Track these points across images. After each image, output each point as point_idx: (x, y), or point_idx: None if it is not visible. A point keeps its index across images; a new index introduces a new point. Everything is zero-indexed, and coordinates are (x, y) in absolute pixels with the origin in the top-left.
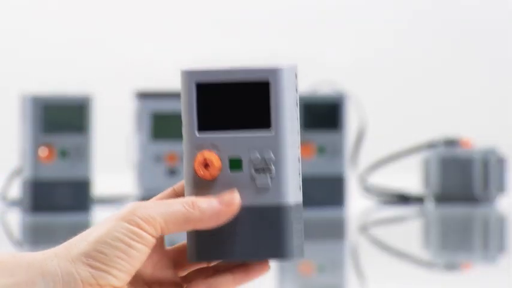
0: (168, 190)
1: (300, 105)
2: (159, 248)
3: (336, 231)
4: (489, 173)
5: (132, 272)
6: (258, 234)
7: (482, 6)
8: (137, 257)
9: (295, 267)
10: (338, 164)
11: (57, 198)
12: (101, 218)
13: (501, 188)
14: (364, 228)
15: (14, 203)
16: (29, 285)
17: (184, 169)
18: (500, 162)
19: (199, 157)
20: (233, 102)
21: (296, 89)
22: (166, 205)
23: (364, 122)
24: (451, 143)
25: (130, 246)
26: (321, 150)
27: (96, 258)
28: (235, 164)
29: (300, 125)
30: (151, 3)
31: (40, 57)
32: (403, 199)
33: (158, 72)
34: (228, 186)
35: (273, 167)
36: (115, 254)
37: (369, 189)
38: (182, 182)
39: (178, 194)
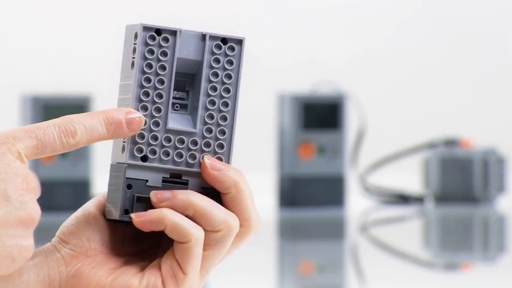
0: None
1: (300, 105)
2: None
3: (336, 231)
4: (489, 173)
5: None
6: None
7: (482, 5)
8: None
9: (295, 267)
10: (338, 164)
11: (57, 198)
12: None
13: (501, 188)
14: (364, 228)
15: None
16: None
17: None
18: (500, 162)
19: None
20: None
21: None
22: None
23: (364, 122)
24: (451, 143)
25: None
26: (321, 150)
27: None
28: None
29: (300, 125)
30: (151, 3)
31: (40, 57)
32: (403, 199)
33: None
34: None
35: None
36: None
37: (369, 189)
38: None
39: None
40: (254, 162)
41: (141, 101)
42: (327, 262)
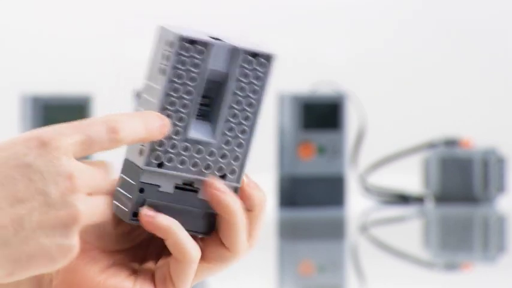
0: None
1: (300, 105)
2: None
3: (336, 231)
4: (489, 173)
5: None
6: None
7: (482, 5)
8: None
9: (295, 267)
10: (338, 164)
11: None
12: None
13: (501, 188)
14: (364, 228)
15: None
16: None
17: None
18: (500, 162)
19: None
20: None
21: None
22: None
23: (364, 122)
24: (451, 143)
25: None
26: (321, 150)
27: None
28: None
29: (300, 125)
30: (151, 3)
31: (40, 57)
32: (403, 199)
33: None
34: None
35: None
36: None
37: (369, 189)
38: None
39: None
40: (254, 162)
41: (165, 109)
42: (327, 262)
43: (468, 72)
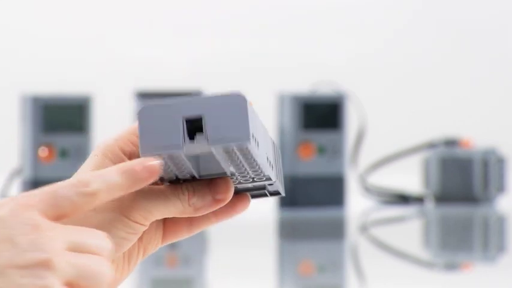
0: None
1: (300, 105)
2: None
3: (336, 231)
4: (489, 173)
5: None
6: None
7: (482, 6)
8: None
9: (295, 267)
10: (338, 164)
11: None
12: None
13: (501, 188)
14: (364, 228)
15: None
16: None
17: None
18: (500, 162)
19: None
20: None
21: None
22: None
23: (364, 122)
24: (451, 143)
25: None
26: (321, 150)
27: None
28: None
29: (300, 125)
30: (151, 3)
31: (40, 57)
32: (403, 199)
33: (158, 72)
34: None
35: None
36: None
37: (369, 189)
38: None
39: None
40: None
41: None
42: (327, 262)
43: (468, 73)
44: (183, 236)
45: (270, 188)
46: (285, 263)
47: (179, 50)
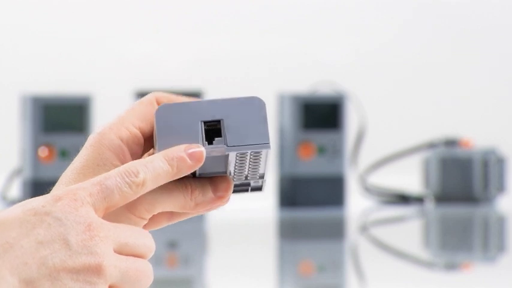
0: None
1: (300, 105)
2: None
3: (336, 231)
4: (489, 173)
5: None
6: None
7: (482, 6)
8: None
9: (295, 267)
10: (338, 164)
11: None
12: None
13: (501, 188)
14: (364, 228)
15: (14, 203)
16: None
17: None
18: (500, 162)
19: None
20: None
21: None
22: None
23: (364, 122)
24: (451, 143)
25: None
26: (321, 150)
27: None
28: None
29: (300, 125)
30: (151, 3)
31: (40, 57)
32: (403, 199)
33: (158, 72)
34: None
35: None
36: None
37: (369, 189)
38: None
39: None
40: None
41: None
42: (327, 262)
43: (468, 73)
44: (162, 225)
45: (254, 184)
46: (285, 263)
47: (179, 50)
